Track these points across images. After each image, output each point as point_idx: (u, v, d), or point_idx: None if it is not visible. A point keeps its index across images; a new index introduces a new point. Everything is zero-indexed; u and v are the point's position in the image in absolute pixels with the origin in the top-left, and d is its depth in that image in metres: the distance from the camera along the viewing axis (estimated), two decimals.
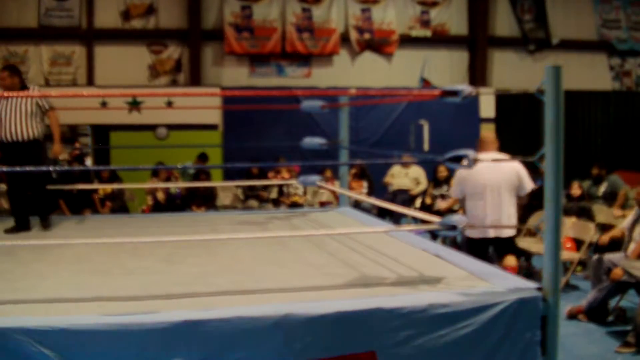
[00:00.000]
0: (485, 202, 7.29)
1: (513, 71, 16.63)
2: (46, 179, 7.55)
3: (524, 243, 8.91)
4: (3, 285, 4.75)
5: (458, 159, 4.41)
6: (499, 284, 4.33)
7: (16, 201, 7.06)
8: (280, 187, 12.60)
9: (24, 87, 7.06)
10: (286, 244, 6.20)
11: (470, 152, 4.36)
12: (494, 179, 7.27)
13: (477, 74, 16.44)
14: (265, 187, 12.62)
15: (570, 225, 9.05)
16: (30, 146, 6.95)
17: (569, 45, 16.96)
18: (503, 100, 16.00)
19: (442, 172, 11.37)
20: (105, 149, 14.98)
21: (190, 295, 4.38)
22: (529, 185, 7.34)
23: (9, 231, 6.75)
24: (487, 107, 15.92)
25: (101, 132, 15.26)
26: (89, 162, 15.43)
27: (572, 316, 7.44)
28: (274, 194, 12.72)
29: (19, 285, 4.74)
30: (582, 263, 9.04)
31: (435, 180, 11.55)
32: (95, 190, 11.63)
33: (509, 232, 7.34)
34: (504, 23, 16.91)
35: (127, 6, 15.59)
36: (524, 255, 9.21)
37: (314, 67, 16.24)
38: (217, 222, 8.09)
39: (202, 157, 13.05)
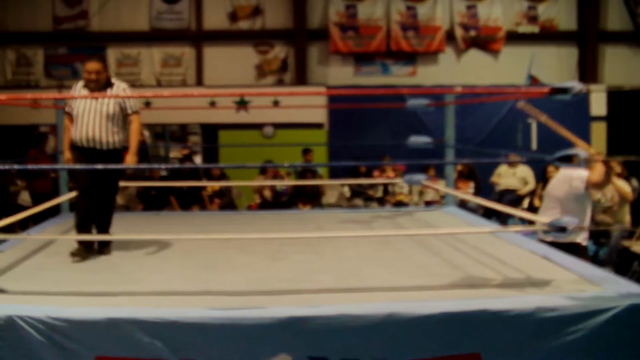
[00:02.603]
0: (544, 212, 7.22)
1: (626, 67, 16.02)
2: (114, 197, 6.38)
3: (637, 247, 8.63)
4: (116, 277, 4.94)
5: (567, 159, 4.31)
6: (611, 288, 4.21)
7: (85, 216, 5.89)
8: (385, 185, 12.59)
9: (108, 84, 5.92)
10: (391, 243, 6.20)
11: (580, 152, 4.27)
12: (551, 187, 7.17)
13: (587, 71, 15.94)
14: (371, 186, 12.62)
15: None
16: (109, 157, 5.86)
17: None
18: (615, 97, 15.44)
19: (552, 172, 11.00)
20: (214, 148, 15.29)
21: (295, 292, 4.44)
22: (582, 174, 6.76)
23: (75, 254, 5.59)
24: (598, 105, 15.42)
25: (210, 131, 15.60)
26: (198, 160, 15.80)
27: None
28: (379, 193, 12.72)
29: (131, 278, 4.92)
30: None
31: (545, 181, 11.22)
32: (204, 188, 11.90)
33: (569, 238, 6.94)
34: (615, 17, 16.30)
35: (235, 8, 15.84)
36: (638, 260, 8.91)
37: (419, 65, 16.11)
38: (323, 220, 8.16)
39: (307, 151, 13.15)
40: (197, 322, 3.77)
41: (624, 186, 8.90)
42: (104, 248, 5.86)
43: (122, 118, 5.92)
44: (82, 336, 3.76)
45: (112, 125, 5.86)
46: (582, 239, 6.54)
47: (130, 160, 5.89)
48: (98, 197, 5.90)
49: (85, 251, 5.64)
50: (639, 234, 8.89)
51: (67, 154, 6.05)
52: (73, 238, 6.29)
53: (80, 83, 5.94)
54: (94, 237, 5.72)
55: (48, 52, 15.66)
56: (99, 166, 5.43)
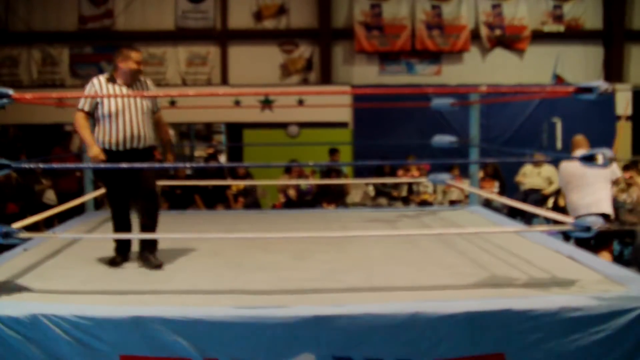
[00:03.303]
0: (581, 191, 7.77)
1: None
2: (158, 197, 5.84)
3: None
4: (141, 276, 4.97)
5: (592, 158, 4.29)
6: (636, 288, 4.19)
7: (126, 224, 5.63)
8: (410, 185, 12.56)
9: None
10: (416, 243, 6.19)
11: (605, 151, 4.24)
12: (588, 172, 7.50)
13: (613, 70, 15.79)
14: (396, 185, 12.60)
15: None
16: (147, 155, 5.49)
17: None
18: None
19: None
20: (239, 146, 15.33)
21: (320, 291, 4.45)
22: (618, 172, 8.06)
23: (113, 263, 5.36)
24: (624, 104, 15.26)
25: (235, 130, 15.65)
26: (223, 159, 15.85)
27: None
28: (403, 192, 12.70)
29: (156, 276, 4.95)
30: None
31: None
32: (229, 187, 11.93)
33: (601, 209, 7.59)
34: None
35: (260, 7, 15.87)
36: None
37: (444, 64, 16.06)
38: (347, 219, 8.16)
39: (333, 152, 13.12)
40: (222, 320, 3.78)
41: None
42: (153, 253, 5.40)
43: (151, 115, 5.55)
44: (106, 335, 3.79)
45: (150, 121, 5.48)
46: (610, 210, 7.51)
47: (171, 159, 5.82)
48: (142, 200, 5.47)
49: (124, 259, 5.42)
50: None
51: (97, 149, 5.22)
52: (98, 238, 6.34)
53: (103, 78, 5.39)
54: (120, 235, 5.57)
55: (73, 51, 15.76)
56: (138, 165, 5.19)
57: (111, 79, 5.38)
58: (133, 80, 5.40)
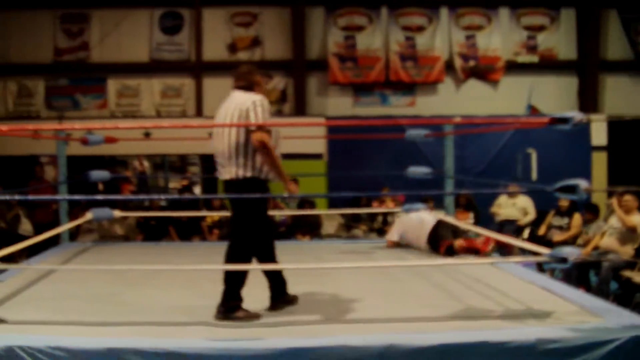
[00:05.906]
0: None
1: (626, 96, 16.01)
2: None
3: (638, 277, 8.56)
4: (116, 307, 4.93)
5: (568, 189, 4.33)
6: (613, 320, 4.21)
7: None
8: (384, 216, 12.57)
9: None
10: (391, 274, 6.19)
11: (581, 182, 4.28)
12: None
13: (588, 100, 15.91)
14: (371, 217, 12.59)
15: None
16: None
17: None
18: (616, 127, 15.40)
19: (565, 202, 10.81)
20: (214, 178, 15.25)
21: (295, 323, 4.43)
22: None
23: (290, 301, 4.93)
24: (599, 134, 15.38)
25: (209, 161, 15.57)
26: (198, 190, 15.78)
27: None
28: (378, 224, 12.70)
29: (131, 308, 4.91)
30: None
31: (557, 210, 11.07)
32: (204, 218, 11.86)
33: None
34: (615, 46, 16.33)
35: (234, 39, 15.93)
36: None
37: (418, 95, 16.15)
38: (322, 250, 8.15)
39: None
40: (196, 353, 3.75)
41: (633, 220, 8.78)
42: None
43: None
44: None
45: None
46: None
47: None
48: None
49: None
50: None
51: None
52: (74, 269, 6.29)
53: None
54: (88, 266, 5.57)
55: (49, 83, 15.66)
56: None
57: None
58: None
